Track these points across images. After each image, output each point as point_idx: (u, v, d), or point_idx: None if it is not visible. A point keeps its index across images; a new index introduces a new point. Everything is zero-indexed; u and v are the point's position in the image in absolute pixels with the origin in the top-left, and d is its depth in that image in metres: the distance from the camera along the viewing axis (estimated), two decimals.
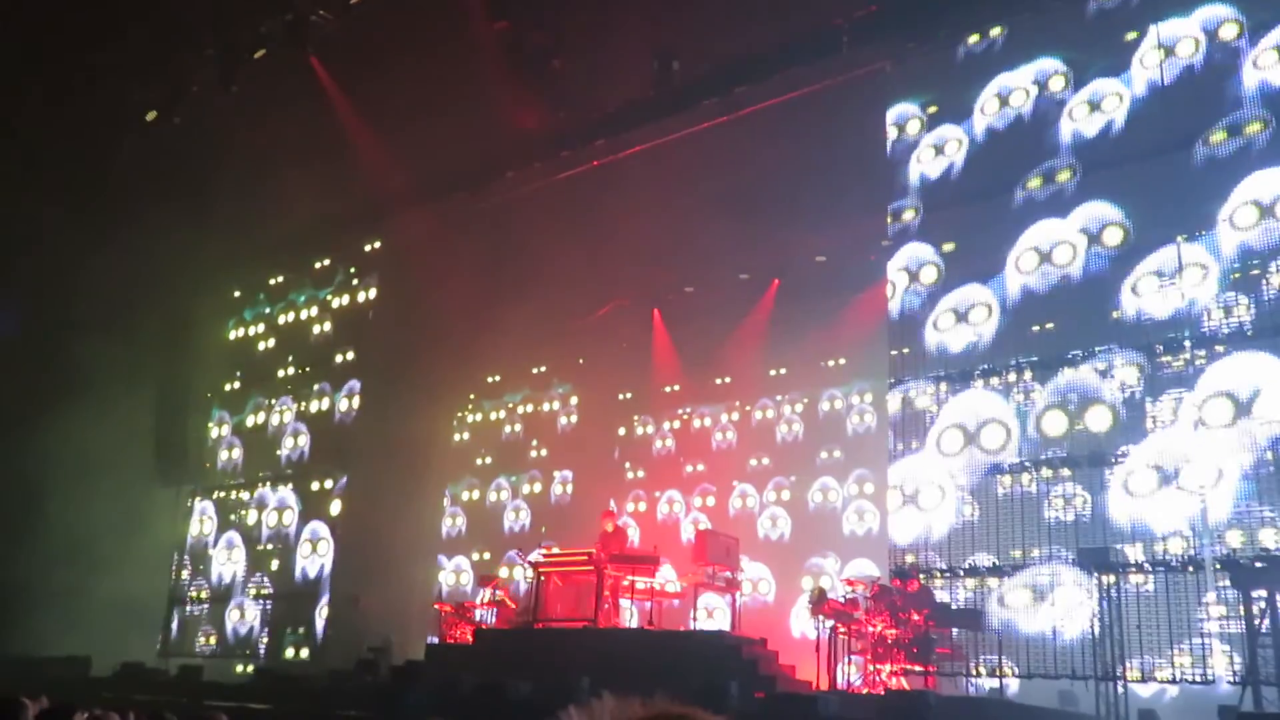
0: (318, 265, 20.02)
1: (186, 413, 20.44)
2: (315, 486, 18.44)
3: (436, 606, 15.08)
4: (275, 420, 19.88)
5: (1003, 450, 11.99)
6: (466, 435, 21.45)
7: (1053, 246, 12.28)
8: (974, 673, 11.21)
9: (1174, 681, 10.31)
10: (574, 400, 20.58)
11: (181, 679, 13.17)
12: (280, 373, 20.15)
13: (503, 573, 18.98)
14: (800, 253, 17.12)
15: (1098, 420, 11.43)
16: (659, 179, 15.90)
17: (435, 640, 14.07)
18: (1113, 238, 11.88)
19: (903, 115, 14.04)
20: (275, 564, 18.54)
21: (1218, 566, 9.95)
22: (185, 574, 19.81)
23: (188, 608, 19.47)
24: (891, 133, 14.04)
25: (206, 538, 19.75)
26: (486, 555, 19.77)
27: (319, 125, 16.44)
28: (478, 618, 14.19)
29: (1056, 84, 12.81)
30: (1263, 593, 9.03)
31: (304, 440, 19.16)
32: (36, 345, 17.23)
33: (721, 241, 16.36)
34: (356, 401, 18.55)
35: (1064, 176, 12.41)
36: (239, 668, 17.46)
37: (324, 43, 15.96)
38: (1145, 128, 11.88)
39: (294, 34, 15.74)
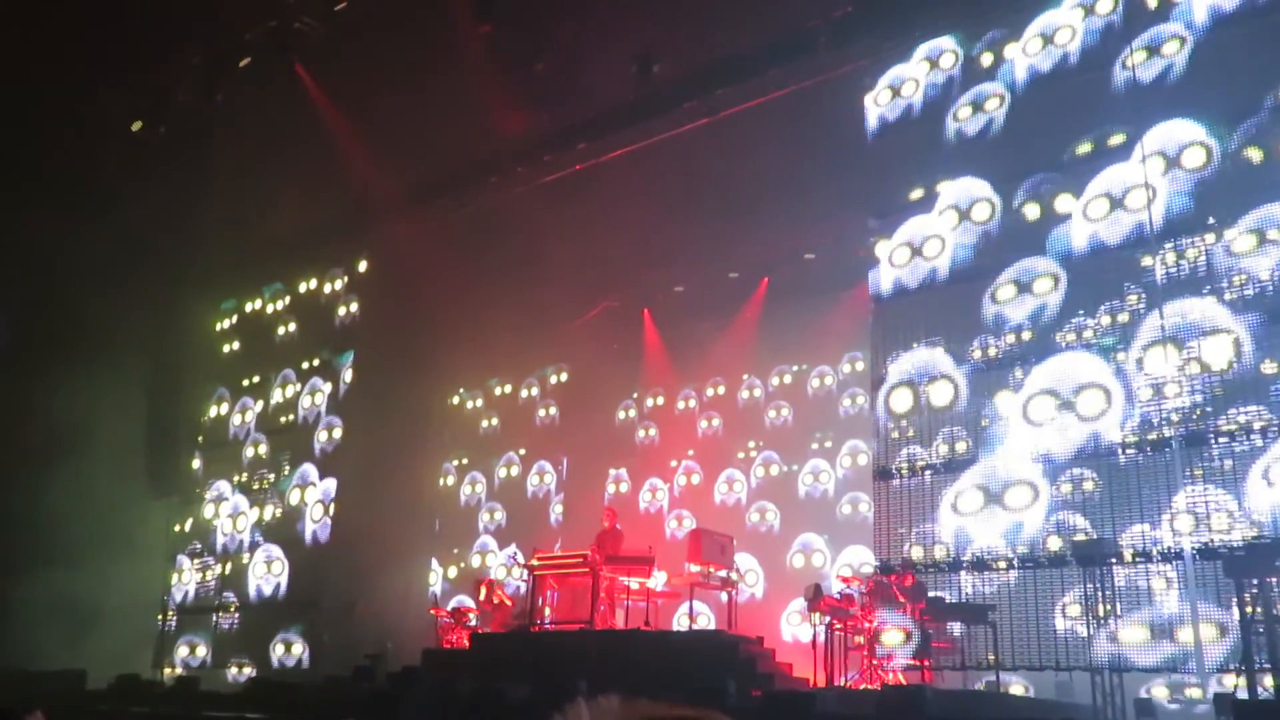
0: (299, 268, 19.84)
1: (178, 422, 20.33)
2: (296, 496, 18.25)
3: (432, 612, 15.04)
4: (239, 420, 19.73)
5: (1103, 416, 10.73)
6: (446, 434, 21.45)
7: (1125, 191, 11.07)
8: (967, 665, 11.17)
9: (1157, 670, 10.32)
10: (555, 379, 20.56)
11: (177, 689, 13.12)
12: (247, 379, 20.00)
13: (474, 561, 19.06)
14: (789, 251, 17.18)
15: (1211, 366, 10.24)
16: (645, 180, 15.90)
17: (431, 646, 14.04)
18: (1194, 159, 10.63)
19: (935, 50, 13.15)
20: (239, 576, 18.41)
21: (1196, 557, 9.93)
22: (171, 582, 19.64)
23: (165, 621, 19.25)
24: (921, 69, 13.24)
25: (191, 546, 19.64)
26: (463, 564, 19.76)
27: (304, 131, 16.40)
28: (473, 622, 14.17)
29: (1104, 6, 11.75)
30: (1254, 580, 9.08)
31: (295, 442, 18.93)
32: (26, 354, 17.14)
33: (710, 240, 16.40)
34: (345, 402, 18.39)
35: (1117, 140, 11.37)
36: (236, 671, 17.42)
37: (308, 49, 15.93)
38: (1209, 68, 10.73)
39: (279, 41, 15.72)
